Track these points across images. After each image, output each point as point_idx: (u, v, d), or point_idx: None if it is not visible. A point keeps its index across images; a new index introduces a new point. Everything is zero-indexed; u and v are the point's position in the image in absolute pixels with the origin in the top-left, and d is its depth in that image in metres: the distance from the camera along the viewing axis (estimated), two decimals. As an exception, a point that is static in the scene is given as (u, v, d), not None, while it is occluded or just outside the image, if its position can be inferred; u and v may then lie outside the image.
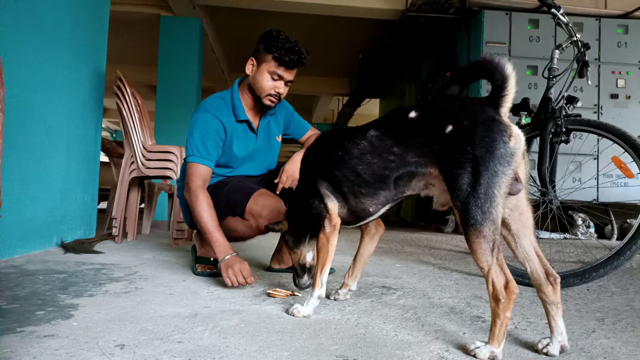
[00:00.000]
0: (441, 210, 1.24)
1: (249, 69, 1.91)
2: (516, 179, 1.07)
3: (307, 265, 1.55)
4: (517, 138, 1.05)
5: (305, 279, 1.54)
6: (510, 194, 1.08)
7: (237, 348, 1.04)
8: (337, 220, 1.37)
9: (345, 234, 4.01)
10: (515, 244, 1.14)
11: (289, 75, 1.86)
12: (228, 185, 1.90)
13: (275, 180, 2.00)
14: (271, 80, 1.86)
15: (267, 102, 1.91)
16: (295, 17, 6.15)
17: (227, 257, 1.65)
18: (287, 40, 1.81)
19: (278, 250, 2.15)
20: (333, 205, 1.35)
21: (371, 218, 1.36)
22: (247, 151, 2.01)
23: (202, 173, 1.83)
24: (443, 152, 1.09)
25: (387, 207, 1.31)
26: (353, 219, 1.37)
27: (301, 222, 1.49)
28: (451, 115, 1.11)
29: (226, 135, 1.92)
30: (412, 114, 1.19)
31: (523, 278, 1.82)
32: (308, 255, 1.54)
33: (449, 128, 1.08)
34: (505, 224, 1.13)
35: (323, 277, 1.37)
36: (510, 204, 1.12)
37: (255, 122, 2.01)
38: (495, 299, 1.02)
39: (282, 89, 1.89)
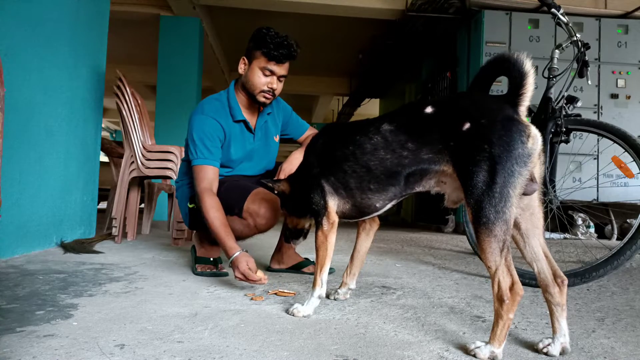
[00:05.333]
0: (453, 207, 1.23)
1: (241, 68, 1.91)
2: (531, 179, 1.06)
3: (305, 230, 1.61)
4: (535, 139, 1.04)
5: (301, 240, 1.64)
6: (524, 194, 1.07)
7: (237, 348, 1.04)
8: (335, 219, 1.36)
9: (345, 233, 4.01)
10: (524, 244, 1.13)
11: (280, 70, 1.85)
12: (225, 185, 1.90)
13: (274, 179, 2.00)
14: (263, 77, 1.85)
15: (262, 99, 1.90)
16: (295, 17, 6.15)
17: (235, 255, 1.64)
18: (277, 36, 1.80)
19: (278, 250, 2.15)
20: (333, 203, 1.35)
21: (376, 213, 1.35)
22: (244, 151, 2.01)
23: (207, 175, 1.82)
24: (459, 149, 1.08)
25: (393, 202, 1.30)
26: (357, 213, 1.36)
27: (301, 202, 1.50)
28: (469, 112, 1.09)
29: (225, 137, 1.92)
30: (428, 110, 1.17)
31: (522, 278, 1.82)
32: (306, 224, 1.59)
33: (467, 125, 1.07)
34: (515, 223, 1.12)
35: (323, 277, 1.37)
36: (522, 204, 1.11)
37: (252, 122, 2.01)
38: (499, 299, 1.02)
39: (276, 85, 1.87)
